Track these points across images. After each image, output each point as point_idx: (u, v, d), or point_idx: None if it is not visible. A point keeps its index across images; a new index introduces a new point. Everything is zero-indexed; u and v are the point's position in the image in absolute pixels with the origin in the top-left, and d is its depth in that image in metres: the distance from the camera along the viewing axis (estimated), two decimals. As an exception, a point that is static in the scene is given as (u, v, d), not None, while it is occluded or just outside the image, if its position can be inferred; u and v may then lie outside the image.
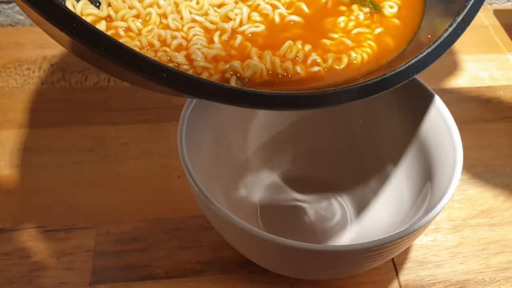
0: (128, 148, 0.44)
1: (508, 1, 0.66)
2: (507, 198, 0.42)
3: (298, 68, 0.28)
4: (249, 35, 0.30)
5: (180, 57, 0.28)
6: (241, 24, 0.30)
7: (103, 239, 0.38)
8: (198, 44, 0.29)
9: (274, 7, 0.32)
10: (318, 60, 0.29)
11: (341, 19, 0.32)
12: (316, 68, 0.28)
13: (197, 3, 0.31)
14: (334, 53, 0.29)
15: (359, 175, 0.40)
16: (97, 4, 0.30)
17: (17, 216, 0.39)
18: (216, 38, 0.30)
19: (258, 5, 0.32)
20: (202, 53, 0.28)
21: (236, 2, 0.32)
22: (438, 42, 0.28)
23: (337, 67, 0.29)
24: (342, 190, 0.40)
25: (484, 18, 0.60)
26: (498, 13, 0.61)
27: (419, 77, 0.35)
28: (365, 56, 0.30)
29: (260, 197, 0.40)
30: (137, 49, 0.27)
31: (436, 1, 0.32)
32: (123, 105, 0.48)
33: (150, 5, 0.30)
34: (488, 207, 0.41)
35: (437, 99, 0.34)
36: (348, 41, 0.30)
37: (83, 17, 0.28)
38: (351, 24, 0.31)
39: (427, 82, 0.35)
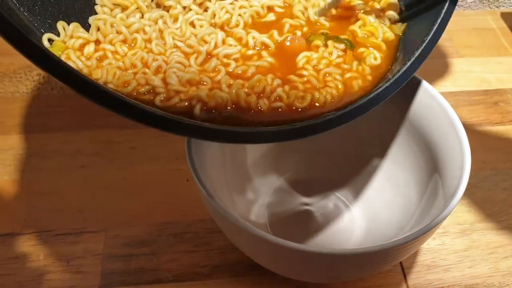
0: (136, 152, 0.44)
1: (515, 3, 0.66)
2: (516, 202, 0.41)
3: (261, 103, 0.29)
4: (223, 58, 0.32)
5: (156, 80, 0.29)
6: (216, 47, 0.32)
7: (112, 242, 0.38)
8: (175, 68, 0.30)
9: (248, 32, 0.33)
10: (282, 96, 0.30)
11: (315, 55, 0.32)
12: (278, 104, 0.29)
13: (180, 30, 0.33)
14: (301, 91, 0.30)
15: (365, 178, 0.40)
16: (87, 26, 0.32)
17: (26, 220, 0.39)
18: (192, 61, 0.31)
19: (232, 32, 0.33)
20: (177, 76, 0.30)
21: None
22: (397, 75, 0.30)
23: (298, 105, 0.29)
24: (348, 193, 0.40)
25: (491, 21, 0.60)
26: (505, 16, 0.61)
27: (426, 79, 0.35)
28: (329, 97, 0.30)
29: (267, 200, 0.40)
30: (118, 70, 0.30)
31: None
32: (131, 110, 0.48)
33: (137, 31, 0.32)
34: (496, 210, 0.41)
35: (445, 102, 0.34)
36: (315, 82, 0.31)
37: (73, 39, 0.31)
38: (323, 62, 0.32)
39: (434, 85, 0.35)
